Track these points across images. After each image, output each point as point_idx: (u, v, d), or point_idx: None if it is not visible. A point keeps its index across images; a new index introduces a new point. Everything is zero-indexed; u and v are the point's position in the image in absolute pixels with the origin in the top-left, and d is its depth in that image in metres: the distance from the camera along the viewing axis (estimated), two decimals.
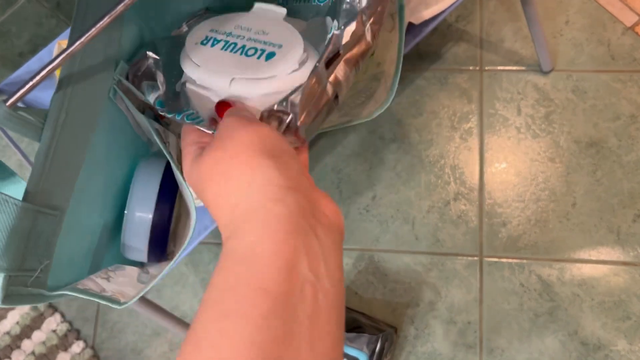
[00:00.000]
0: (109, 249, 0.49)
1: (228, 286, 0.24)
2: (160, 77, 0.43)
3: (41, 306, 1.09)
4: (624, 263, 0.98)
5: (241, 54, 0.40)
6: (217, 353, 0.21)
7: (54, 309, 1.10)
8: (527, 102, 1.06)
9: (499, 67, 1.08)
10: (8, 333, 1.08)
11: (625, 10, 1.07)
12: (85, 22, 0.40)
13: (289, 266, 0.24)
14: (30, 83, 0.31)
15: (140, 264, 0.51)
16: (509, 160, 1.05)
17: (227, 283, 0.24)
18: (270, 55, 0.39)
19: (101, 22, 0.36)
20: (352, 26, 0.36)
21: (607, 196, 1.01)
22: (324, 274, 0.26)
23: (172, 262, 0.45)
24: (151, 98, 0.42)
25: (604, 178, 1.01)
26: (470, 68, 1.09)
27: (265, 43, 0.40)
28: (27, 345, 1.08)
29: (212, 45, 0.42)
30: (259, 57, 0.39)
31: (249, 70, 0.38)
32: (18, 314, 1.09)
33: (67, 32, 0.92)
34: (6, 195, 0.32)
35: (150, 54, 0.44)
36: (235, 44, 0.41)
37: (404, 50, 0.48)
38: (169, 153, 0.41)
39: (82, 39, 0.36)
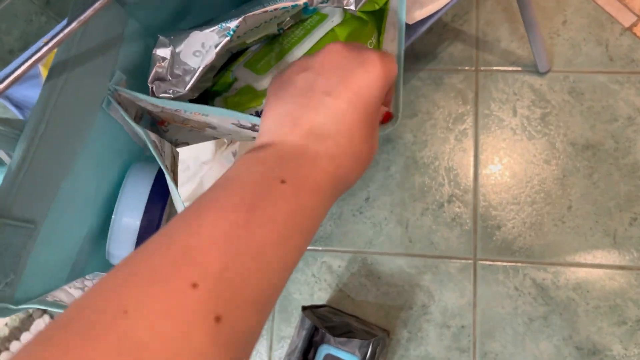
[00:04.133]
0: (92, 257, 0.48)
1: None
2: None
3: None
4: (620, 267, 0.97)
5: None
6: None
7: (42, 310, 1.08)
8: (523, 103, 1.05)
9: (495, 68, 1.07)
10: None
11: (623, 10, 1.06)
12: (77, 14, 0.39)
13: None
14: (1, 86, 0.29)
15: None
16: (504, 162, 1.03)
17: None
18: None
19: (84, 15, 0.35)
20: None
21: (603, 199, 1.00)
22: None
23: None
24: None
25: (601, 181, 1.00)
26: (466, 68, 1.08)
27: None
28: (15, 347, 1.07)
29: None
30: None
31: None
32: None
33: (59, 27, 0.91)
34: None
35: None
36: None
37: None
38: (165, 165, 0.39)
39: (60, 36, 0.35)
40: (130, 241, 0.46)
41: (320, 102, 0.30)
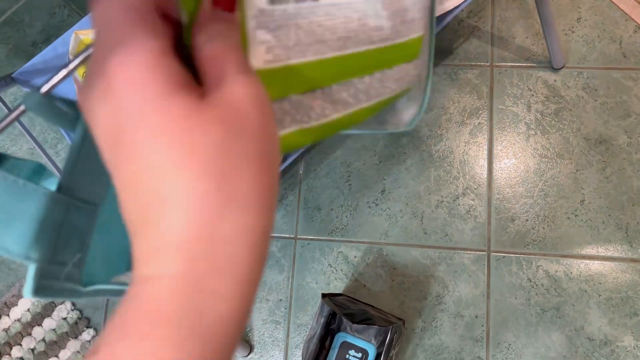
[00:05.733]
0: None
1: None
2: None
3: None
4: (632, 260, 0.99)
5: None
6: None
7: None
8: (537, 98, 1.07)
9: (510, 64, 1.09)
10: (19, 320, 1.10)
11: (637, 8, 1.07)
12: None
13: None
14: (65, 71, 0.31)
15: None
16: (518, 156, 1.05)
17: None
18: None
19: None
20: None
21: (616, 193, 1.01)
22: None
23: None
24: None
25: (613, 175, 1.02)
26: (481, 64, 1.10)
27: None
28: (37, 332, 1.09)
29: None
30: None
31: None
32: (29, 302, 1.10)
33: (83, 21, 0.93)
34: (37, 185, 0.33)
35: None
36: None
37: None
38: None
39: None
40: None
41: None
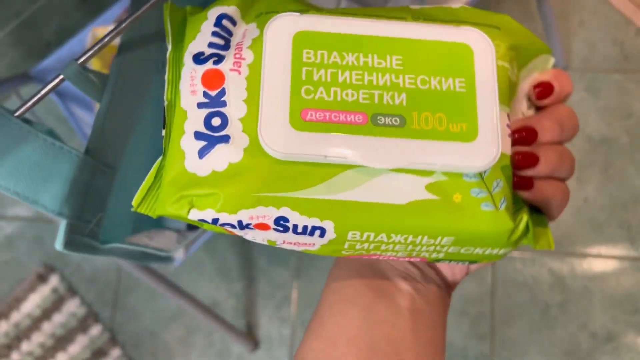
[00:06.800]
0: (147, 219, 0.52)
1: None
2: None
3: (61, 289, 1.12)
4: (634, 258, 1.00)
5: None
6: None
7: (73, 292, 1.12)
8: None
9: None
10: (28, 315, 1.11)
11: (638, 13, 1.10)
12: None
13: None
14: (99, 44, 0.33)
15: (178, 231, 0.53)
16: None
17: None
18: None
19: None
20: None
21: (618, 193, 1.03)
22: None
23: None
24: None
25: (616, 175, 1.04)
26: None
27: None
28: (46, 327, 1.11)
29: None
30: None
31: None
32: (39, 297, 1.11)
33: (101, 19, 0.96)
34: (70, 146, 0.35)
35: None
36: None
37: None
38: None
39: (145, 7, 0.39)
40: None
41: None
